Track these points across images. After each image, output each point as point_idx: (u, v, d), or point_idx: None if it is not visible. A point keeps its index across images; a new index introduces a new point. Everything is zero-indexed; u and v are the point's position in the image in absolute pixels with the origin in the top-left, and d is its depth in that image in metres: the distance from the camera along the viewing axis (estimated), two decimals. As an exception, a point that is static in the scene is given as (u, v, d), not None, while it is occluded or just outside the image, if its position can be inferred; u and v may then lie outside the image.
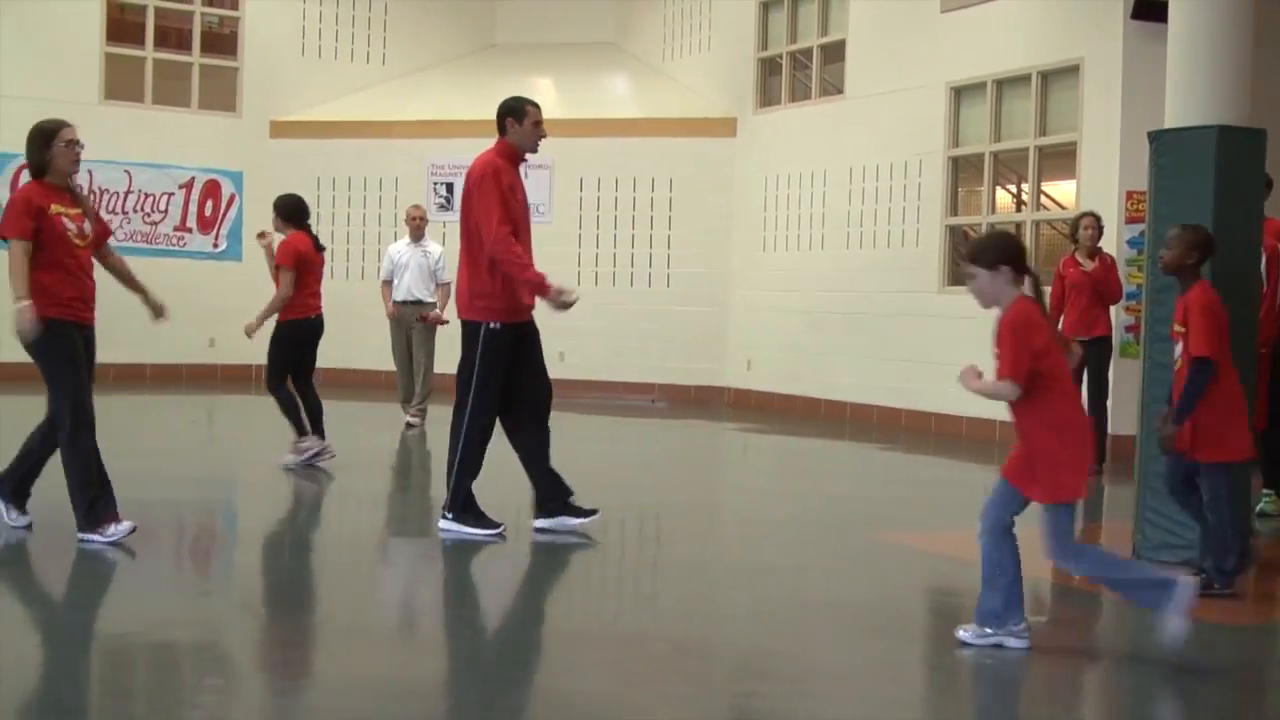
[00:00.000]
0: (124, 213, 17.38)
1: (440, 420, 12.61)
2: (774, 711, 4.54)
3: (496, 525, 7.12)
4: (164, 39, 17.95)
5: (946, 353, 13.23)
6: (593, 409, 14.97)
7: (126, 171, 17.37)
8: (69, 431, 6.53)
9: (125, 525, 6.63)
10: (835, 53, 15.34)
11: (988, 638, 5.19)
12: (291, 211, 10.06)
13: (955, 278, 13.41)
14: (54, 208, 6.59)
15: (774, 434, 13.61)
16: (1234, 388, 6.14)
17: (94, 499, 6.58)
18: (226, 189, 17.84)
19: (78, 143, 6.73)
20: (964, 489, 10.36)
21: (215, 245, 17.76)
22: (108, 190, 17.25)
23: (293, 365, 9.83)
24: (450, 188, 17.20)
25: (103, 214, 16.97)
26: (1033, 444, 5.11)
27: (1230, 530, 6.13)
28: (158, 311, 7.13)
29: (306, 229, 10.04)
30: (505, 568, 6.89)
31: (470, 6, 19.27)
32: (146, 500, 7.60)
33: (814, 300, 15.05)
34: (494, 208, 6.98)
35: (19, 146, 15.93)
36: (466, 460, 7.08)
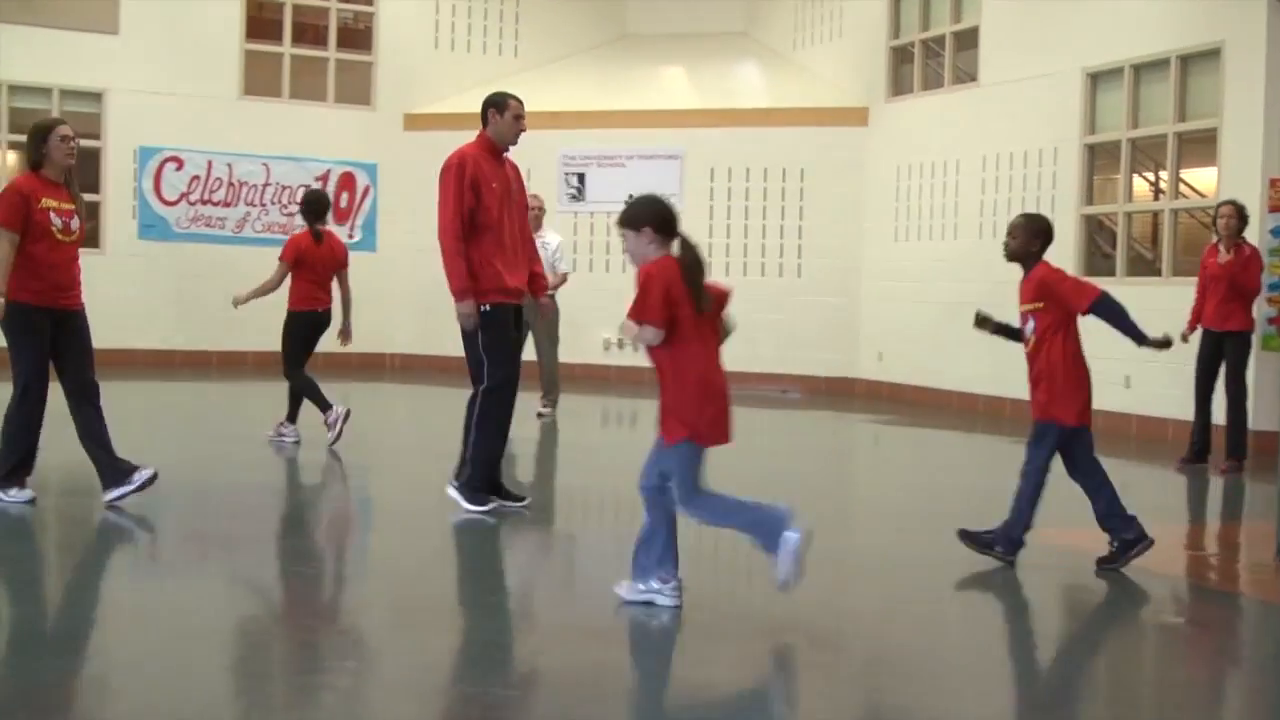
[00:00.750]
0: (262, 204, 17.74)
1: (570, 410, 12.84)
2: (907, 709, 4.50)
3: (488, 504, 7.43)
4: (301, 35, 18.29)
5: (1083, 344, 13.02)
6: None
7: (264, 164, 17.73)
8: (14, 404, 7.08)
9: (27, 493, 7.13)
10: (968, 39, 15.13)
11: (640, 594, 5.41)
12: (303, 208, 10.69)
13: (1091, 267, 13.15)
14: (45, 201, 7.02)
15: (906, 426, 13.47)
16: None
17: (14, 466, 7.09)
18: (361, 181, 18.13)
19: (73, 138, 7.18)
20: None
21: (350, 236, 18.00)
22: (247, 183, 17.62)
23: (304, 352, 10.27)
24: (582, 178, 17.31)
25: (241, 206, 17.50)
26: (662, 391, 5.39)
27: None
28: None
29: (314, 227, 10.40)
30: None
31: (601, -2, 19.38)
32: (281, 485, 7.75)
33: (946, 291, 14.86)
34: (448, 200, 7.25)
35: (163, 141, 16.45)
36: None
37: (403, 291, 17.49)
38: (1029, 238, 6.59)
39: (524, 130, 7.77)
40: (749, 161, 16.97)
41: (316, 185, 17.85)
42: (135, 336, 16.68)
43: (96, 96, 17.18)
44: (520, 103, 7.73)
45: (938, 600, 6.04)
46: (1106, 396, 12.96)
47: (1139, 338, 6.62)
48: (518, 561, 6.90)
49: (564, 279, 12.48)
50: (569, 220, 17.46)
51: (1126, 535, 6.42)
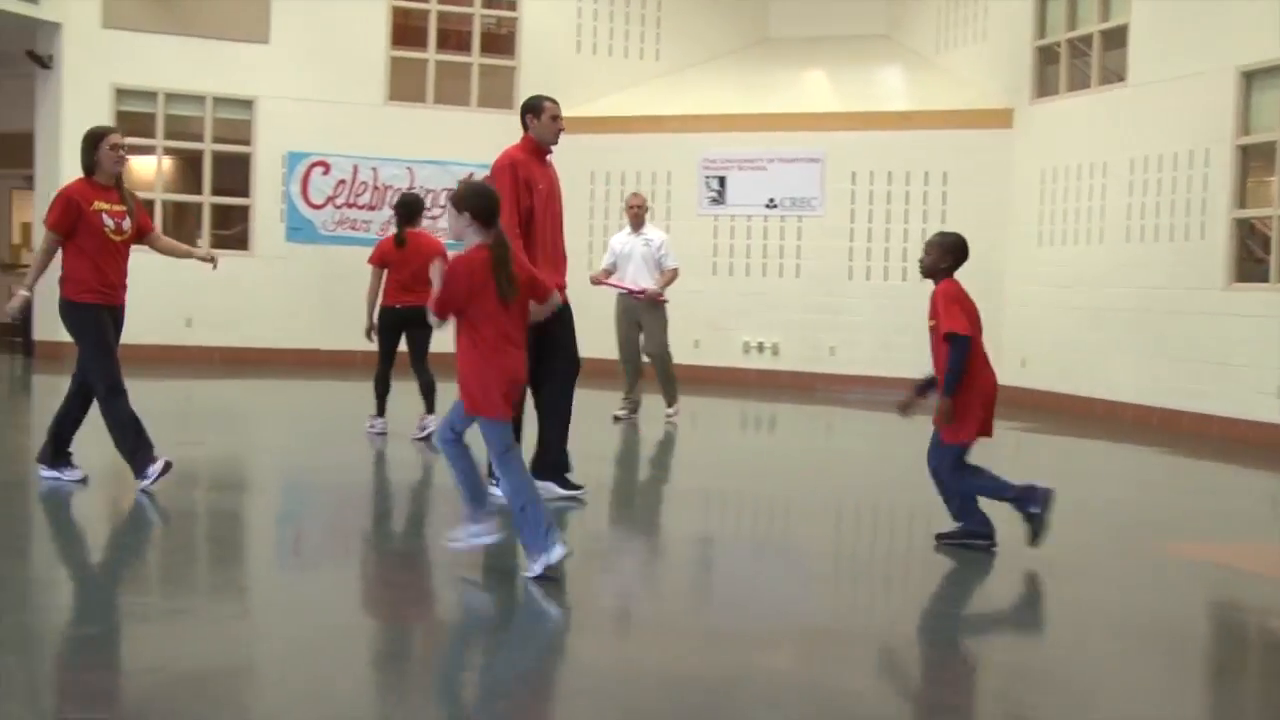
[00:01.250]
0: (406, 208, 17.98)
1: (700, 413, 12.79)
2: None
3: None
4: (444, 41, 18.55)
5: (1234, 352, 12.68)
6: (862, 404, 14.85)
7: (408, 168, 18.01)
8: (103, 400, 7.51)
9: (159, 464, 7.49)
10: (1117, 38, 14.82)
11: (468, 539, 6.03)
12: (395, 211, 11.17)
13: (1244, 273, 12.81)
14: (96, 204, 7.53)
15: (1049, 434, 13.20)
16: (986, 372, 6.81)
17: (133, 450, 7.50)
18: (503, 185, 18.28)
19: (123, 146, 7.71)
20: (1252, 498, 9.92)
21: (492, 240, 18.24)
22: (391, 186, 17.90)
23: (389, 347, 10.75)
24: (723, 181, 17.31)
25: (385, 209, 17.79)
26: (459, 364, 5.83)
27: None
28: (211, 260, 8.39)
29: (400, 230, 10.83)
30: (778, 564, 6.87)
31: (744, 1, 19.32)
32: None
33: (1092, 296, 14.59)
34: (506, 200, 7.29)
35: (311, 146, 16.77)
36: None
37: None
38: (940, 254, 6.88)
39: (562, 130, 8.12)
40: (890, 165, 16.81)
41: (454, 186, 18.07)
42: (282, 336, 17.09)
43: (247, 103, 17.61)
44: (556, 104, 8.05)
45: (1082, 613, 5.90)
46: (1227, 400, 12.70)
47: (925, 386, 6.98)
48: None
49: (674, 275, 12.36)
50: (708, 223, 17.47)
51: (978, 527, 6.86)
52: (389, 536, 7.33)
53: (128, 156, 7.88)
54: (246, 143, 17.66)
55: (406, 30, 18.42)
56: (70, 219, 7.45)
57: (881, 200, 16.88)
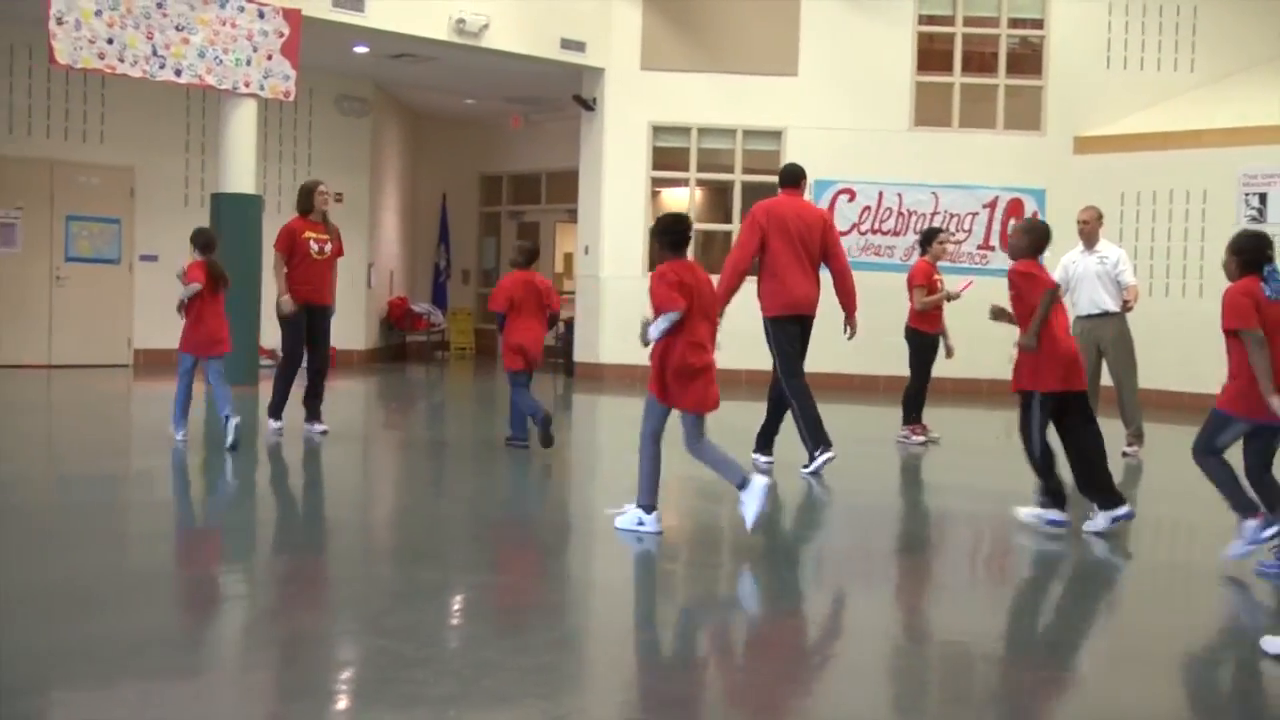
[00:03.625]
0: (930, 233, 18.05)
1: (1161, 441, 11.87)
2: None
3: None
4: (969, 63, 18.49)
5: None
6: None
7: (933, 193, 18.07)
8: (280, 365, 10.95)
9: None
10: None
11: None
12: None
13: None
14: (307, 234, 10.66)
15: None
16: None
17: (279, 404, 10.91)
18: (1029, 207, 18.04)
19: (328, 194, 11.00)
20: None
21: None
22: (915, 211, 18.04)
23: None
24: (1264, 199, 16.31)
25: (909, 235, 17.93)
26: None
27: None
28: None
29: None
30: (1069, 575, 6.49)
31: (1288, 4, 18.19)
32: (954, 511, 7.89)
33: None
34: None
35: (837, 173, 17.18)
36: (803, 411, 9.42)
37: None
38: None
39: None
40: None
41: (983, 212, 17.99)
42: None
43: (776, 135, 18.23)
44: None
45: None
46: None
47: None
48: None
49: (1136, 292, 11.19)
50: None
51: None
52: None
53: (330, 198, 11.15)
54: (774, 173, 18.21)
55: (932, 54, 18.50)
56: (287, 243, 10.61)
57: None
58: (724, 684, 4.73)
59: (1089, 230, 11.24)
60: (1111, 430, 11.47)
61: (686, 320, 6.74)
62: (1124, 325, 11.21)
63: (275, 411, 10.77)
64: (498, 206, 24.56)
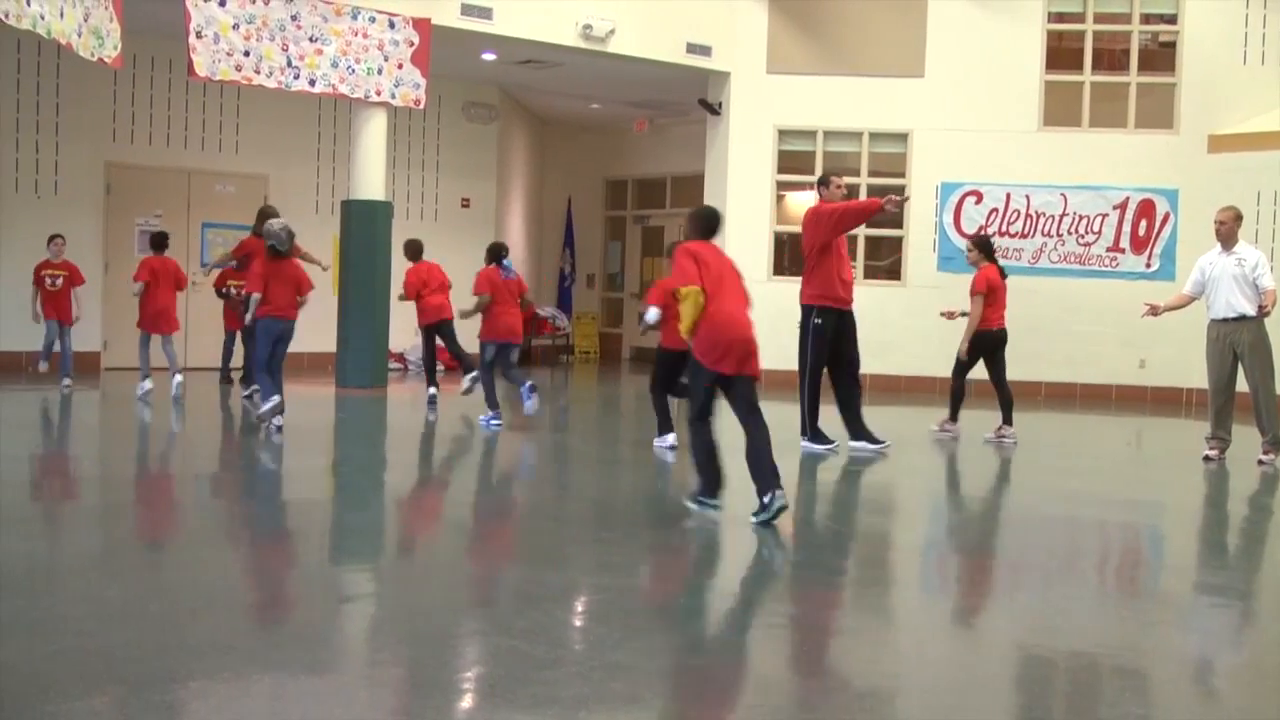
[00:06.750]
0: (1058, 235, 17.83)
1: None
2: None
3: (830, 441, 10.70)
4: (1100, 61, 18.20)
5: None
6: None
7: (1062, 195, 17.83)
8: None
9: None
10: None
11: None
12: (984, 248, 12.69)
13: None
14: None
15: None
16: None
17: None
18: (1161, 208, 17.71)
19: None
20: None
21: (1147, 265, 17.70)
22: (1043, 214, 17.81)
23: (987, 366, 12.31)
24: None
25: (1038, 236, 17.69)
26: None
27: None
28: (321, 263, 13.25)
29: (994, 261, 12.53)
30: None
31: None
32: (1073, 517, 7.81)
33: None
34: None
35: (964, 176, 17.09)
36: (811, 399, 10.72)
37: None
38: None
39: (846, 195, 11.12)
40: None
41: (1113, 213, 17.69)
42: (940, 365, 17.38)
43: (902, 137, 18.11)
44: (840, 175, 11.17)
45: None
46: None
47: None
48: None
49: (1274, 295, 10.77)
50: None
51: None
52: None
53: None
54: (901, 175, 18.15)
55: (1061, 53, 18.24)
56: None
57: None
58: (852, 690, 4.73)
59: (1227, 231, 10.99)
60: (1245, 437, 11.36)
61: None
62: (1261, 330, 10.93)
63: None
64: (623, 211, 24.70)
